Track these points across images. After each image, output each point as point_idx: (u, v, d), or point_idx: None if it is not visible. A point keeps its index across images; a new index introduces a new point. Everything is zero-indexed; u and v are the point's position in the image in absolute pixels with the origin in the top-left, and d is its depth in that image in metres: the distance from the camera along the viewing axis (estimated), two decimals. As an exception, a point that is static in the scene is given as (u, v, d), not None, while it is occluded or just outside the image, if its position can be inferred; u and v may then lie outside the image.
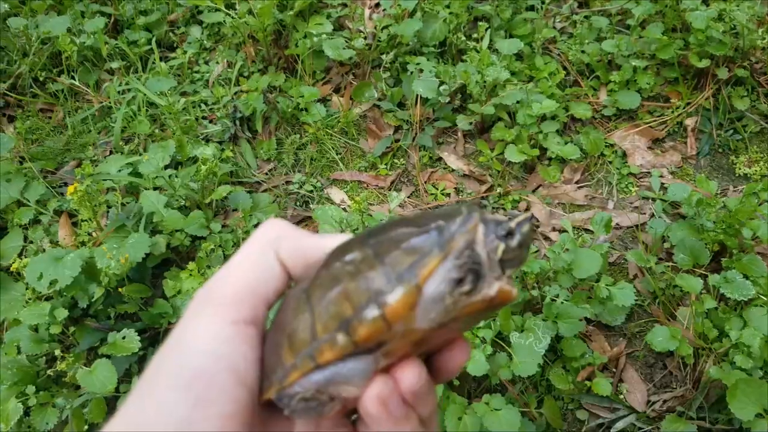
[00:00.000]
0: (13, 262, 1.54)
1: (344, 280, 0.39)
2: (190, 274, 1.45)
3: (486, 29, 2.04)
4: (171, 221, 1.62)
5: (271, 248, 0.43)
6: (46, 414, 1.46)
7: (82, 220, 1.67)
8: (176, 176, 1.70)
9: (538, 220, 1.82)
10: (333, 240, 0.44)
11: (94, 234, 1.67)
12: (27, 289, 1.57)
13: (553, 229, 1.80)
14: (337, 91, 2.11)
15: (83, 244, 1.65)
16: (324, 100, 2.06)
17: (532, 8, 2.26)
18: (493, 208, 1.83)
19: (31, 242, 1.67)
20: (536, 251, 1.71)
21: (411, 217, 0.42)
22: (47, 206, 1.72)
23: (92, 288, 1.53)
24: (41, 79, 2.10)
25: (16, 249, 1.64)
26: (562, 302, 1.49)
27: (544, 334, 1.44)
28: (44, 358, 1.53)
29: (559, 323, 1.47)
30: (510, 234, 0.40)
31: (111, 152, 1.95)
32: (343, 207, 1.80)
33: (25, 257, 1.64)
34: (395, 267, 0.38)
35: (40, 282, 1.48)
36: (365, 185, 1.89)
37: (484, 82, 1.91)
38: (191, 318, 0.40)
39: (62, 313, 1.49)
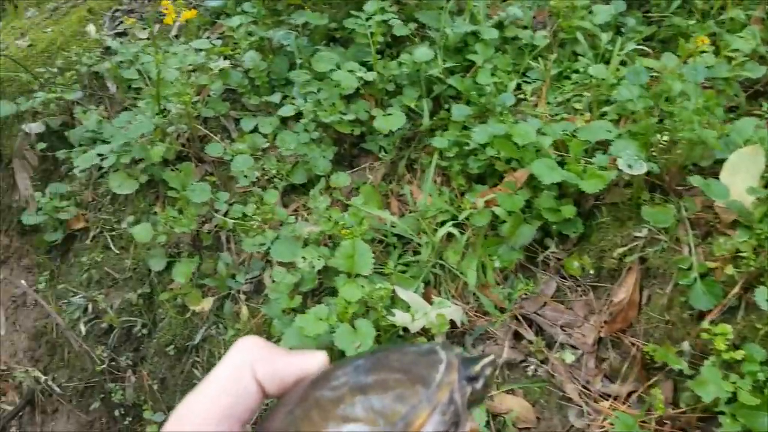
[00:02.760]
0: None
1: (336, 421, 0.39)
2: None
3: None
4: None
5: (248, 367, 0.44)
6: None
7: None
8: None
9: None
10: (309, 360, 0.45)
11: None
12: None
13: None
14: None
15: None
16: None
17: None
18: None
19: None
20: None
21: (394, 355, 0.44)
22: None
23: None
24: None
25: None
26: None
27: None
28: None
29: None
30: (476, 377, 0.44)
31: None
32: None
33: None
34: (387, 417, 0.39)
35: None
36: None
37: None
38: None
39: None
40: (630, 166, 1.53)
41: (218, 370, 0.45)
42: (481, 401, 0.45)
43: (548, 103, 1.94)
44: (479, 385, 0.44)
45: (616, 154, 1.60)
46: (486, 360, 0.45)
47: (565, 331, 1.76)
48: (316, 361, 0.46)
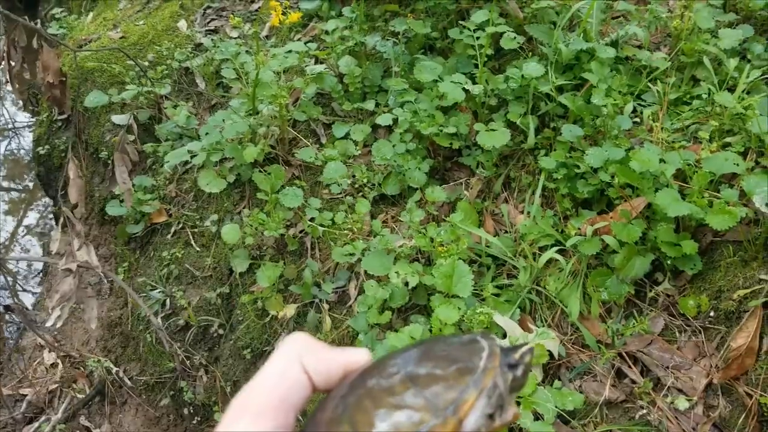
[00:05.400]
0: None
1: (388, 408, 0.42)
2: None
3: None
4: None
5: (298, 360, 0.47)
6: None
7: None
8: None
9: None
10: (354, 355, 0.48)
11: None
12: None
13: None
14: None
15: None
16: None
17: None
18: None
19: None
20: None
21: (439, 346, 0.47)
22: None
23: None
24: None
25: None
26: None
27: None
28: None
29: None
30: (516, 365, 0.46)
31: None
32: None
33: None
34: (437, 400, 0.42)
35: None
36: None
37: None
38: (231, 425, 0.43)
39: None
40: (767, 205, 1.42)
41: (271, 363, 0.47)
42: (521, 387, 0.47)
43: (664, 129, 1.84)
44: (519, 371, 0.46)
45: (749, 190, 1.49)
46: (525, 348, 0.47)
47: (673, 373, 1.65)
48: (360, 356, 0.49)
